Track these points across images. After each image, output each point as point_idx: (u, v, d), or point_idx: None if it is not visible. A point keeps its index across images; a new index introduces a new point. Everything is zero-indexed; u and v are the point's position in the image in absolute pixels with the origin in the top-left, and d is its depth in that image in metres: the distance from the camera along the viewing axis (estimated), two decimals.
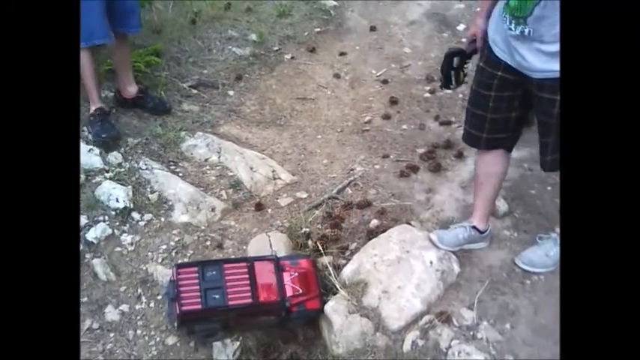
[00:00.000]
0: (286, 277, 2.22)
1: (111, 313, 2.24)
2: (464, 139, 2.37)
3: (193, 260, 2.37)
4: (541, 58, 1.88)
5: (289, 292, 2.18)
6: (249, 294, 2.10)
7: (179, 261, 2.38)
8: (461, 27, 4.31)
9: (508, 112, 2.11)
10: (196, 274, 2.11)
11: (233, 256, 2.45)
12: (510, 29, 1.90)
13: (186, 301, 2.04)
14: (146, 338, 2.18)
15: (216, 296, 2.06)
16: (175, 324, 2.12)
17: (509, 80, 2.03)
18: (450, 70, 2.28)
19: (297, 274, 2.25)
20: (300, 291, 2.20)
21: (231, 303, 2.07)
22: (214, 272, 2.12)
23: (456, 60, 2.26)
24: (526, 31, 1.86)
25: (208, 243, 2.52)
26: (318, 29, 4.29)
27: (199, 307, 2.04)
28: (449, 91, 3.65)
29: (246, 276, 2.14)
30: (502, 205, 2.63)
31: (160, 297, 2.29)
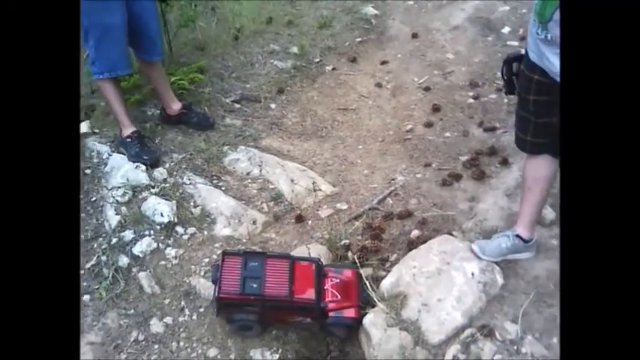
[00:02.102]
0: (327, 283, 2.25)
1: (155, 325, 2.31)
2: (515, 142, 2.32)
3: (239, 249, 2.44)
4: None
5: (327, 297, 2.20)
6: (286, 288, 2.14)
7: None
8: (506, 30, 4.21)
9: (548, 116, 2.04)
10: (239, 263, 2.18)
11: None
12: (538, 33, 1.87)
13: (225, 286, 2.13)
14: (188, 350, 2.23)
15: (254, 285, 2.12)
16: (215, 310, 2.22)
17: (545, 84, 1.97)
18: (511, 76, 2.23)
19: (338, 281, 2.26)
20: (339, 297, 2.21)
21: (266, 292, 2.12)
22: (256, 263, 2.19)
23: (515, 65, 2.20)
24: (549, 36, 1.83)
25: None
26: (359, 39, 4.29)
27: (237, 291, 2.11)
28: (493, 97, 3.58)
29: (286, 271, 2.19)
30: (549, 213, 2.54)
31: (202, 310, 2.34)
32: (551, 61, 1.88)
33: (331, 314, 2.19)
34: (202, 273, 2.47)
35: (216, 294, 2.14)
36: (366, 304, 2.27)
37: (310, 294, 2.16)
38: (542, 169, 2.22)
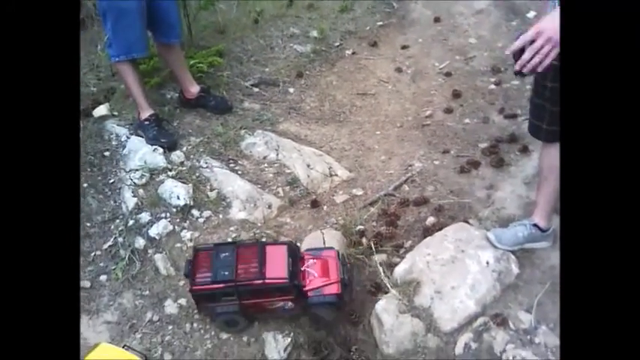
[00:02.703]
0: (306, 262, 2.23)
1: (170, 307, 2.34)
2: (528, 129, 2.26)
3: (211, 243, 2.41)
4: None
5: (306, 277, 2.19)
6: (257, 271, 2.12)
7: None
8: (531, 14, 4.11)
9: None
10: (211, 255, 2.18)
11: None
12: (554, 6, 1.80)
13: (198, 277, 2.13)
14: (202, 332, 2.25)
15: (226, 273, 2.12)
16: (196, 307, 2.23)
17: None
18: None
19: (315, 261, 2.24)
20: (318, 275, 2.19)
21: (238, 278, 2.10)
22: (227, 253, 2.17)
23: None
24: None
25: (264, 239, 2.56)
26: (380, 23, 4.24)
27: (209, 280, 2.11)
28: (516, 83, 3.51)
29: (257, 256, 2.16)
30: None
31: None
32: None
33: (311, 294, 2.16)
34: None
35: (190, 286, 2.14)
36: (379, 289, 2.26)
37: (282, 273, 2.13)
38: (557, 159, 2.16)
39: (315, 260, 2.24)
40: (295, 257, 2.22)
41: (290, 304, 2.17)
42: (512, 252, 2.29)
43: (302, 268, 2.21)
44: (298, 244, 2.53)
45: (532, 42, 1.89)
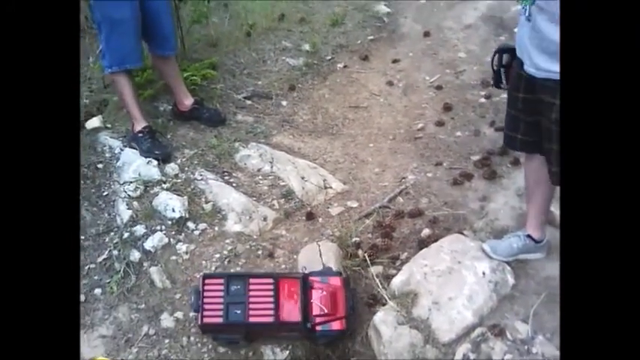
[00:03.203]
0: (314, 295, 2.19)
1: (166, 320, 2.32)
2: (504, 140, 2.30)
3: (221, 272, 2.39)
4: (543, 56, 1.79)
5: (314, 311, 2.16)
6: (272, 312, 2.09)
7: (231, 270, 2.44)
8: None
9: (537, 115, 1.99)
10: (221, 287, 2.13)
11: (283, 266, 2.48)
12: (525, 20, 1.84)
13: (208, 314, 2.08)
14: (199, 345, 2.24)
15: (238, 311, 2.07)
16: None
17: (532, 81, 1.91)
18: (500, 68, 2.16)
19: (325, 293, 2.20)
20: (326, 311, 2.16)
21: (251, 320, 2.08)
22: (239, 287, 2.13)
23: (505, 57, 2.13)
24: (530, 21, 1.79)
25: (260, 252, 2.56)
26: (372, 37, 4.29)
27: (220, 320, 2.07)
28: (505, 96, 3.54)
29: (271, 293, 2.13)
30: None
31: None
32: (531, 54, 1.83)
33: (319, 328, 2.16)
34: (213, 268, 2.47)
35: (200, 322, 2.10)
36: (376, 301, 2.27)
37: (296, 316, 2.11)
38: (542, 172, 2.17)
39: (323, 292, 2.20)
40: (306, 290, 2.20)
41: (296, 334, 2.20)
42: (508, 263, 2.32)
43: (311, 300, 2.18)
44: (295, 256, 2.54)
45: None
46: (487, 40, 4.17)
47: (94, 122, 3.16)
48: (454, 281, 2.23)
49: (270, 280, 2.17)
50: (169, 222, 2.61)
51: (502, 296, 2.22)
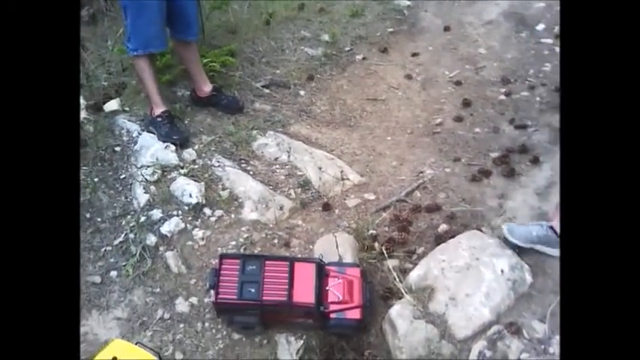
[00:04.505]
0: (330, 283, 2.19)
1: (181, 305, 2.32)
2: None
3: (237, 252, 2.41)
4: None
5: (329, 298, 2.15)
6: (285, 292, 2.09)
7: None
8: (540, 27, 4.14)
9: None
10: (237, 267, 2.14)
11: (299, 255, 2.47)
12: None
13: (223, 291, 2.10)
14: (213, 331, 2.24)
15: (252, 290, 2.08)
16: (215, 312, 2.20)
17: None
18: None
19: (341, 281, 2.20)
20: (342, 298, 2.15)
21: (265, 299, 2.08)
22: (254, 267, 2.14)
23: None
24: None
25: (276, 241, 2.55)
26: (391, 29, 4.25)
27: (234, 297, 2.08)
28: (526, 94, 3.53)
29: (285, 274, 2.13)
30: None
31: None
32: None
33: (333, 316, 2.14)
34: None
35: (214, 299, 2.11)
36: (392, 294, 2.26)
37: (310, 297, 2.10)
38: None
39: (339, 280, 2.20)
40: (321, 276, 2.19)
41: (311, 321, 2.18)
42: (526, 262, 2.30)
43: (326, 288, 2.18)
44: (311, 246, 2.53)
45: None
46: (508, 36, 4.13)
47: (112, 105, 3.16)
48: (472, 278, 2.22)
49: (286, 263, 2.18)
50: (186, 207, 2.61)
51: (520, 294, 2.21)
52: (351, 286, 2.20)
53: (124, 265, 2.44)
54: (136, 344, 1.96)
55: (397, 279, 2.31)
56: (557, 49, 3.88)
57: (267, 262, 2.17)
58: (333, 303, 2.15)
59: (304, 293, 2.11)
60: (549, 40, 3.99)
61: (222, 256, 2.19)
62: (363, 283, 2.23)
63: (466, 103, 3.49)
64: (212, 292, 2.14)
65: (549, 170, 2.85)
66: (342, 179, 2.94)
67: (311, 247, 2.52)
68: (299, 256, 2.47)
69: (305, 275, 2.16)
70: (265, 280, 2.11)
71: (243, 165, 2.93)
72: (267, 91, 3.53)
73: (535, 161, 2.95)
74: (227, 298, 2.09)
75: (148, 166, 2.75)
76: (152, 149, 2.84)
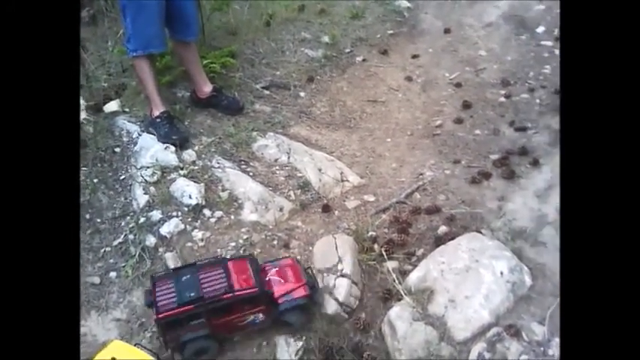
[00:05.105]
0: (268, 272, 2.21)
1: None
2: None
3: (173, 269, 2.31)
4: None
5: (273, 284, 2.16)
6: (225, 285, 2.06)
7: None
8: (540, 29, 4.15)
9: None
10: (171, 280, 2.10)
11: (299, 257, 2.47)
12: None
13: (162, 304, 2.02)
14: None
15: (192, 294, 2.03)
16: (161, 339, 2.08)
17: None
18: None
19: (278, 269, 2.23)
20: (284, 281, 2.17)
21: (206, 296, 2.03)
22: (189, 275, 2.10)
23: None
24: None
25: (275, 242, 2.55)
26: (391, 31, 4.26)
27: (174, 304, 2.01)
28: (526, 96, 3.53)
29: (221, 272, 2.11)
30: None
31: None
32: None
33: (281, 300, 2.14)
34: (228, 257, 2.46)
35: (155, 315, 2.02)
36: (392, 296, 2.26)
37: (250, 283, 2.09)
38: None
39: (276, 269, 2.23)
40: (257, 269, 2.20)
41: (261, 316, 2.14)
42: (524, 261, 2.30)
43: (266, 278, 2.19)
44: (310, 247, 2.53)
45: None
46: (508, 39, 4.14)
47: (112, 106, 3.16)
48: (471, 280, 2.22)
49: (219, 264, 2.17)
50: (185, 208, 2.61)
51: (519, 297, 2.20)
52: (288, 270, 2.23)
53: (124, 266, 2.44)
54: (135, 345, 1.97)
55: (396, 281, 2.30)
56: (557, 52, 3.89)
57: (200, 267, 2.15)
58: (277, 287, 2.15)
59: (244, 281, 2.10)
60: (549, 43, 4.00)
61: (153, 278, 2.14)
62: (300, 266, 2.26)
63: (466, 105, 3.49)
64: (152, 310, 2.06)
65: (549, 172, 2.85)
66: (342, 181, 2.94)
67: (310, 248, 2.52)
68: (299, 257, 2.47)
69: (241, 269, 2.16)
70: (202, 281, 2.08)
71: (243, 166, 2.93)
72: (267, 92, 3.53)
73: (535, 163, 2.95)
74: (168, 309, 2.01)
75: (148, 167, 2.75)
76: (152, 150, 2.84)
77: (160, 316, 2.00)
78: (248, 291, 2.08)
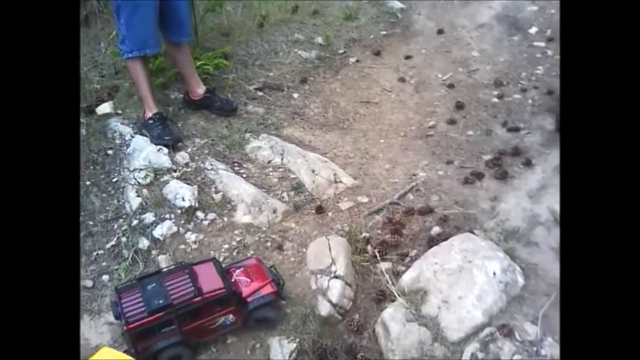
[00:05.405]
0: (234, 274, 2.23)
1: None
2: None
3: (133, 279, 2.30)
4: None
5: (241, 284, 2.18)
6: (192, 289, 2.05)
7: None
8: (533, 30, 4.17)
9: None
10: (137, 289, 2.08)
11: (292, 259, 2.48)
12: None
13: (131, 314, 2.00)
14: None
15: (160, 301, 2.02)
16: (131, 349, 2.04)
17: None
18: None
19: (242, 269, 2.25)
20: (250, 280, 2.19)
21: (175, 302, 2.02)
22: (154, 283, 2.09)
23: None
24: None
25: (269, 244, 2.55)
26: (384, 32, 4.27)
27: (144, 314, 1.99)
28: (518, 97, 3.55)
29: (187, 277, 2.11)
30: None
31: None
32: None
33: (250, 299, 2.15)
34: (221, 259, 2.46)
35: (125, 326, 1.99)
36: (385, 297, 2.27)
37: (218, 283, 2.10)
38: None
39: (240, 269, 2.25)
40: (222, 271, 2.21)
41: (231, 317, 2.15)
42: (517, 261, 2.31)
43: (232, 280, 2.20)
44: (304, 249, 2.53)
45: None
46: (500, 39, 4.15)
47: (104, 108, 3.15)
48: (464, 280, 2.22)
49: (183, 269, 2.17)
50: (179, 211, 2.60)
51: (512, 297, 2.21)
52: (253, 269, 2.25)
53: (116, 269, 2.43)
54: (124, 352, 1.96)
55: (390, 282, 2.31)
56: (550, 52, 3.91)
57: (164, 275, 2.14)
58: (245, 287, 2.17)
59: (211, 283, 2.10)
60: (542, 44, 4.02)
61: (118, 289, 2.12)
62: (263, 265, 2.28)
63: (459, 106, 3.50)
64: (121, 322, 2.04)
65: (541, 173, 2.87)
66: (336, 182, 2.94)
67: (304, 250, 2.52)
68: (292, 259, 2.47)
69: (206, 271, 2.17)
70: (169, 288, 2.07)
71: (237, 168, 2.92)
72: (260, 93, 3.53)
73: (527, 164, 2.96)
74: (137, 319, 1.99)
75: (141, 170, 2.74)
76: (145, 152, 2.83)
77: (131, 326, 1.98)
78: (217, 292, 2.08)
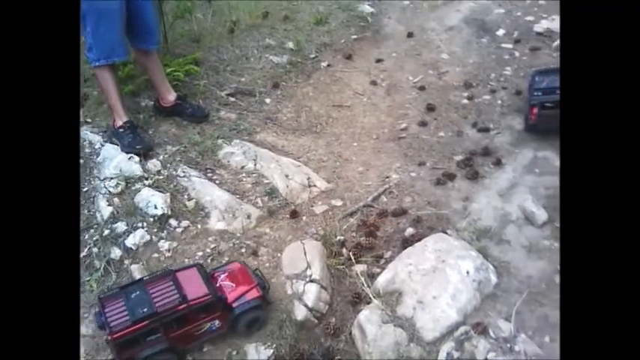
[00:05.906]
0: (218, 279, 2.22)
1: None
2: None
3: (115, 287, 2.26)
4: None
5: (225, 289, 2.17)
6: (177, 296, 2.04)
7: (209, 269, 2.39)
8: (500, 32, 4.23)
9: None
10: (120, 298, 2.06)
11: (267, 264, 2.46)
12: None
13: (115, 323, 1.98)
14: None
15: (144, 309, 2.00)
16: (117, 359, 2.03)
17: None
18: None
19: (227, 273, 2.25)
20: (235, 285, 2.18)
21: (160, 310, 2.00)
22: (138, 291, 2.07)
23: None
24: None
25: (243, 250, 2.54)
26: (355, 36, 4.29)
27: (128, 322, 1.97)
28: (487, 98, 3.60)
29: (171, 284, 2.09)
30: (542, 214, 2.56)
31: None
32: None
33: (235, 304, 2.14)
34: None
35: (109, 336, 1.96)
36: (361, 299, 2.27)
37: (203, 289, 2.09)
38: None
39: (225, 274, 2.24)
40: (206, 276, 2.20)
41: (217, 322, 2.15)
42: (489, 260, 2.34)
43: (217, 285, 2.19)
44: (279, 254, 2.52)
45: None
46: (469, 42, 4.21)
47: None
48: (438, 280, 2.24)
49: (166, 275, 2.15)
50: (151, 219, 2.57)
51: (485, 295, 2.24)
52: (237, 274, 2.25)
53: (88, 280, 2.39)
54: None
55: (365, 284, 2.32)
56: (517, 54, 3.98)
57: (148, 282, 2.12)
58: (230, 292, 2.16)
59: (196, 289, 2.09)
60: (509, 45, 4.08)
61: (101, 298, 2.09)
62: (248, 268, 2.28)
63: (430, 108, 3.54)
64: (105, 332, 2.02)
65: (512, 172, 2.91)
66: (309, 186, 2.94)
67: (279, 255, 2.52)
68: (267, 264, 2.47)
69: (190, 278, 2.15)
70: (153, 296, 2.05)
71: (209, 174, 2.91)
72: (232, 99, 3.52)
73: (498, 163, 3.00)
74: (122, 328, 1.97)
75: (112, 178, 2.71)
76: (115, 161, 2.79)
77: (115, 335, 1.95)
78: (202, 299, 2.07)
